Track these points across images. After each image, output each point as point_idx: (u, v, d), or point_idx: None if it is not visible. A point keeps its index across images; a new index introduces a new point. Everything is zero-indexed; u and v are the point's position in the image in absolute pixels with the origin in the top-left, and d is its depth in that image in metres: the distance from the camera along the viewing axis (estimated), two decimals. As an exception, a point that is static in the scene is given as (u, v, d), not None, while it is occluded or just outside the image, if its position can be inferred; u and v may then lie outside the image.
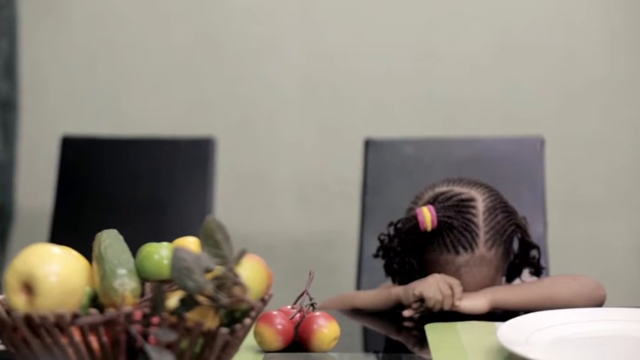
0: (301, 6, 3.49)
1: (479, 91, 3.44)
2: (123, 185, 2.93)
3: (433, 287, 1.82)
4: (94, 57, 3.57)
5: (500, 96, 3.44)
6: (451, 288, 1.83)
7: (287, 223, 3.54)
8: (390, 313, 1.89)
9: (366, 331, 1.88)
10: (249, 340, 1.62)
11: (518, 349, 1.49)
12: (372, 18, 3.47)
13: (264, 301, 1.35)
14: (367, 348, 1.67)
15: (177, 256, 1.22)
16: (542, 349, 1.55)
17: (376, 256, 1.98)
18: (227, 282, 1.26)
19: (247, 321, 1.28)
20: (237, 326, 1.26)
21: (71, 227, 2.90)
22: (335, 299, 2.06)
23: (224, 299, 1.24)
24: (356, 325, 1.91)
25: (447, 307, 1.82)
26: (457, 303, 1.83)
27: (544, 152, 2.64)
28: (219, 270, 1.27)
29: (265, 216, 3.55)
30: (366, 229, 2.60)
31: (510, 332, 1.58)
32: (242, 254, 1.29)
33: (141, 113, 3.54)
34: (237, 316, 1.31)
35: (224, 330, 1.24)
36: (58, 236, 2.90)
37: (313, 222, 3.53)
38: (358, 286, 2.56)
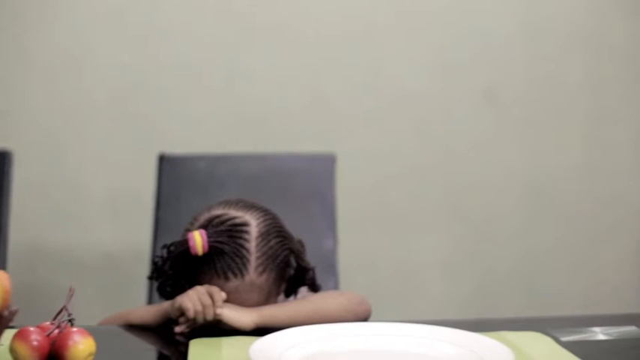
0: (112, 17, 3.45)
1: (285, 108, 3.47)
2: None
3: (192, 298, 1.82)
4: None
5: (306, 113, 3.48)
6: (212, 297, 1.83)
7: (99, 237, 3.48)
8: (164, 328, 1.89)
9: (130, 347, 1.87)
10: (6, 357, 1.61)
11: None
12: (181, 32, 3.46)
13: (3, 317, 1.34)
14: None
15: None
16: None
17: (150, 278, 1.98)
18: (-44, 298, 1.25)
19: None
20: (-35, 343, 1.25)
21: None
22: (113, 316, 2.04)
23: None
24: (123, 341, 1.90)
25: (208, 316, 1.82)
26: (219, 311, 1.82)
27: (335, 169, 2.69)
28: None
29: (76, 230, 3.49)
30: (158, 243, 2.60)
31: (265, 347, 1.59)
32: (-27, 270, 1.28)
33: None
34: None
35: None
36: None
37: (125, 236, 3.49)
38: (150, 301, 2.56)
